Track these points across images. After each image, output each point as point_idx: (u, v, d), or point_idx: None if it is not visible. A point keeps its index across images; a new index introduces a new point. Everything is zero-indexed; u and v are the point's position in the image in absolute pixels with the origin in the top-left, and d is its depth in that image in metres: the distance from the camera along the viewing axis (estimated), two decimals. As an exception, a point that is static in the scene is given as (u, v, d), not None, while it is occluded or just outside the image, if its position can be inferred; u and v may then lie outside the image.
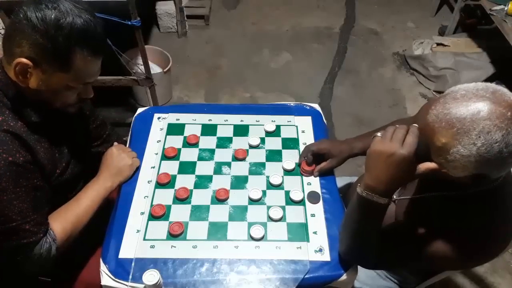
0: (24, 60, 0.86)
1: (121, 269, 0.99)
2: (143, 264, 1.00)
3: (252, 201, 1.14)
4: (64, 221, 1.02)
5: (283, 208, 1.12)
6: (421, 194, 0.96)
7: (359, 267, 1.02)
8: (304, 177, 1.21)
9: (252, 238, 1.06)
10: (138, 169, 1.20)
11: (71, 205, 1.06)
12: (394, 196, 1.07)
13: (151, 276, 0.93)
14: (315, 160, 1.20)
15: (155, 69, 2.33)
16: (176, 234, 1.05)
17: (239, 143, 1.29)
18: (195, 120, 1.36)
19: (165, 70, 2.35)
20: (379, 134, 0.83)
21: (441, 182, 0.85)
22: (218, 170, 1.22)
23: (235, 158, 1.25)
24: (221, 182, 1.18)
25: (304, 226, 1.09)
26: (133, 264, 1.00)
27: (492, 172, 0.76)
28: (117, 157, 1.16)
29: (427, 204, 0.94)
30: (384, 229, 0.93)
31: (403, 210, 1.02)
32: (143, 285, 0.94)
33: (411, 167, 0.79)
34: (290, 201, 1.14)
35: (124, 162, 1.16)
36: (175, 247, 1.04)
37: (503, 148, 0.70)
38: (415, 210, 0.99)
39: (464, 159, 0.72)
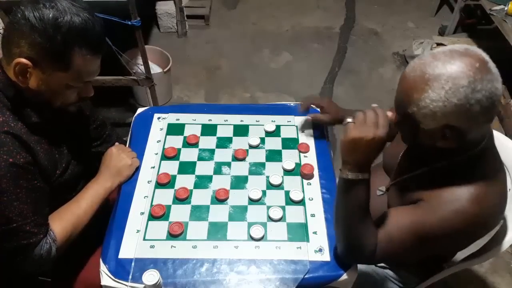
0: (23, 60, 0.86)
1: (121, 269, 0.99)
2: (143, 264, 0.99)
3: (252, 201, 1.14)
4: (64, 221, 1.02)
5: (283, 208, 1.12)
6: (409, 174, 0.99)
7: (359, 267, 1.02)
8: (304, 178, 1.21)
9: (252, 238, 1.06)
10: (138, 169, 1.20)
11: (71, 206, 1.06)
12: (384, 188, 1.09)
13: (151, 276, 0.93)
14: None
15: (155, 69, 2.33)
16: (176, 234, 1.05)
17: (239, 143, 1.29)
18: (195, 120, 1.36)
19: (165, 70, 2.35)
20: (349, 120, 0.87)
21: (426, 156, 0.91)
22: (218, 170, 1.21)
23: (235, 158, 1.25)
24: (221, 182, 1.18)
25: (304, 226, 1.09)
26: (133, 264, 0.99)
27: (462, 124, 0.79)
28: (117, 157, 1.16)
29: (415, 181, 0.96)
30: (377, 220, 0.94)
31: (394, 197, 1.04)
32: (143, 285, 0.94)
33: (384, 145, 0.87)
34: (290, 201, 1.14)
35: (123, 162, 1.16)
36: (175, 247, 1.04)
37: (469, 94, 0.75)
38: (404, 191, 1.00)
39: (433, 103, 0.77)
